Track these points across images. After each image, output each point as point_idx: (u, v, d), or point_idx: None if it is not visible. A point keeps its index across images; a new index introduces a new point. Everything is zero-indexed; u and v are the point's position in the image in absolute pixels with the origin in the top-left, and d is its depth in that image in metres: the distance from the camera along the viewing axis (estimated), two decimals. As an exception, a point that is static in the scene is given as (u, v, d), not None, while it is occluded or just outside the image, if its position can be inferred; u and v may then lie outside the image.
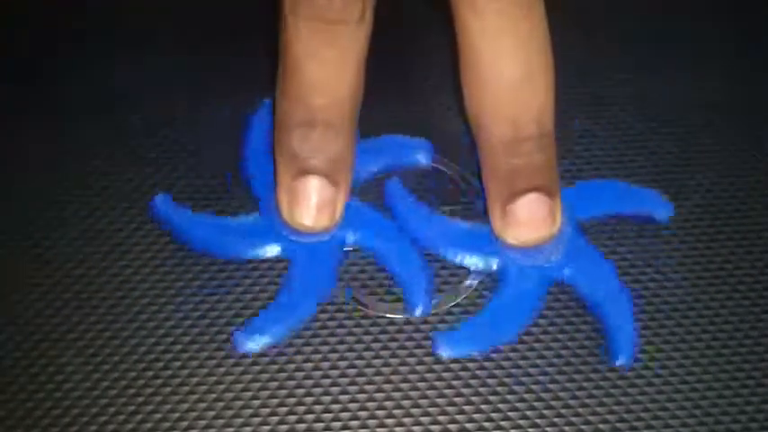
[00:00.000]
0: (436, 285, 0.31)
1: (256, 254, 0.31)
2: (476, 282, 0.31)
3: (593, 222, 0.33)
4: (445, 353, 0.30)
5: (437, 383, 0.29)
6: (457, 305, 0.31)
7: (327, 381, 0.29)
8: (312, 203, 0.30)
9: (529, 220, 0.30)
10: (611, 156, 0.35)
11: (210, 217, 0.32)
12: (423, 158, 0.34)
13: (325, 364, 0.29)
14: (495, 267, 0.31)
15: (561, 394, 0.29)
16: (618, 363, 0.29)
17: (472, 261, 0.31)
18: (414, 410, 0.28)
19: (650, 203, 0.33)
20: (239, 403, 0.28)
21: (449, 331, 0.30)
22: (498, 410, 0.28)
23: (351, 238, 0.32)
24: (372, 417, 0.28)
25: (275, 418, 0.28)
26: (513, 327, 0.30)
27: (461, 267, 0.32)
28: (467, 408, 0.28)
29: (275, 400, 0.28)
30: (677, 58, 0.39)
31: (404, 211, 0.32)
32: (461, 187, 0.34)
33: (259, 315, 0.30)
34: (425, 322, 0.30)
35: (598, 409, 0.28)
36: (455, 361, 0.29)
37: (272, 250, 0.31)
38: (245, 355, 0.29)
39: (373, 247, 0.32)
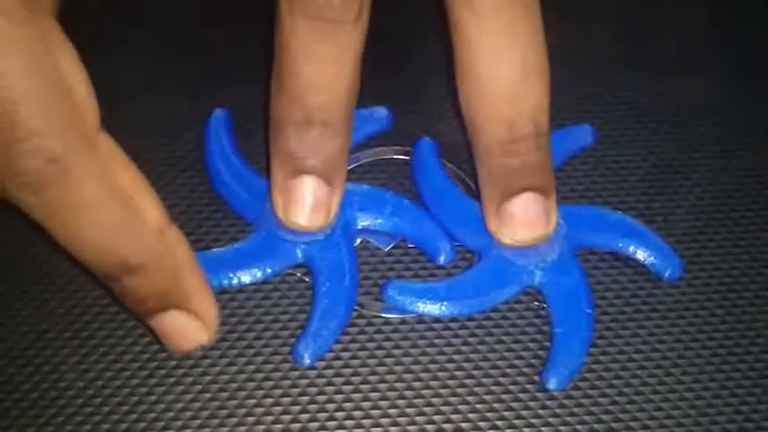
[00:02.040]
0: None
1: (272, 271, 0.31)
2: None
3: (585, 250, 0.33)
4: (388, 294, 0.30)
5: (432, 383, 0.29)
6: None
7: (323, 380, 0.29)
8: (307, 203, 0.30)
9: (524, 220, 0.30)
10: (608, 155, 0.35)
11: (216, 251, 0.31)
12: (382, 126, 0.35)
13: (321, 364, 0.29)
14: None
15: (555, 395, 0.29)
16: (548, 386, 0.29)
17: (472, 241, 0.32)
18: (409, 410, 0.28)
19: (657, 254, 0.32)
20: (234, 402, 0.28)
21: (402, 280, 0.31)
22: (494, 410, 0.28)
23: (358, 222, 0.32)
24: (367, 416, 0.28)
25: (270, 418, 0.28)
26: (467, 308, 0.30)
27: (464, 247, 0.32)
28: (462, 407, 0.28)
29: (270, 400, 0.28)
30: (676, 58, 0.39)
31: (426, 179, 0.33)
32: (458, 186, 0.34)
33: (307, 325, 0.30)
34: (421, 322, 0.30)
35: (593, 408, 0.28)
36: (451, 361, 0.29)
37: (289, 262, 0.31)
38: (240, 355, 0.29)
39: (379, 220, 0.32)
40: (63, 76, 0.23)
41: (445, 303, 0.30)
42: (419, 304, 0.30)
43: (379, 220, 0.32)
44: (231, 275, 0.31)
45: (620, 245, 0.32)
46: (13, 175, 0.22)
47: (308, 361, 0.29)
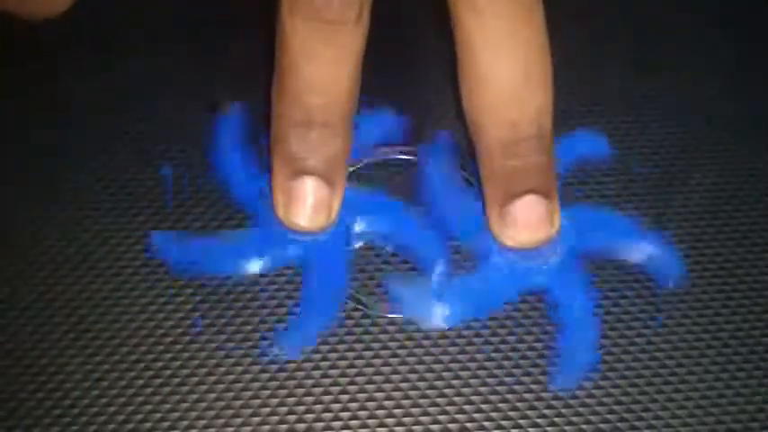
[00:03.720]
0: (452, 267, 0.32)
1: (263, 265, 0.31)
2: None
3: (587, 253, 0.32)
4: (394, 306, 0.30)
5: (437, 383, 0.29)
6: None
7: (327, 380, 0.29)
8: (308, 204, 0.30)
9: (526, 222, 0.30)
10: (611, 156, 0.35)
11: (207, 238, 0.32)
12: (392, 131, 0.35)
13: (325, 364, 0.29)
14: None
15: (560, 396, 0.29)
16: (556, 386, 0.29)
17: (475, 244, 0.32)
18: (414, 410, 0.28)
19: (660, 261, 0.32)
20: (238, 403, 0.28)
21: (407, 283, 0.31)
22: (499, 410, 0.28)
23: (357, 227, 0.32)
24: (372, 416, 0.28)
25: (275, 418, 0.28)
26: (470, 312, 0.30)
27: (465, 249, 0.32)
28: (467, 407, 0.28)
29: (275, 400, 0.28)
30: (677, 57, 0.39)
31: (435, 178, 0.33)
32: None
33: (287, 323, 0.30)
34: (425, 322, 0.30)
35: (598, 408, 0.28)
36: (455, 360, 0.29)
37: (280, 259, 0.31)
38: (245, 355, 0.29)
39: (377, 229, 0.32)
40: None
41: (450, 307, 0.30)
42: (425, 309, 0.30)
43: (376, 228, 0.32)
44: (224, 264, 0.31)
45: (623, 246, 0.32)
46: None
47: (281, 358, 0.29)
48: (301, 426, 0.28)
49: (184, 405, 0.28)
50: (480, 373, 0.29)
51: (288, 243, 0.31)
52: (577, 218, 0.32)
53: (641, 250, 0.32)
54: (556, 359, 0.29)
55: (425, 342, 0.30)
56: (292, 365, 0.29)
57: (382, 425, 0.28)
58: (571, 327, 0.30)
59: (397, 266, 0.32)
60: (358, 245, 0.32)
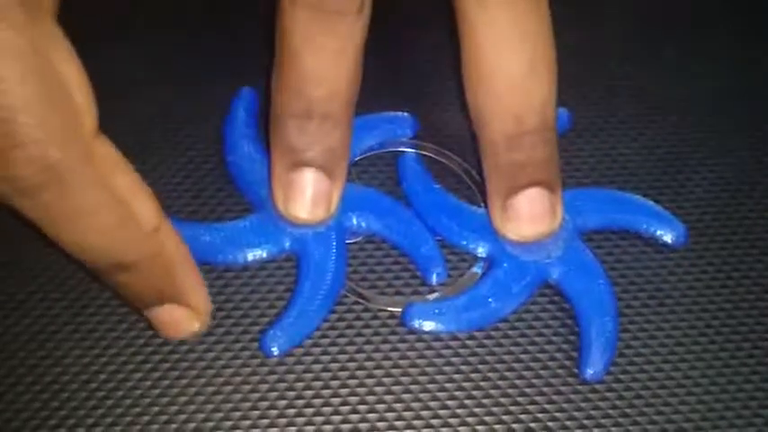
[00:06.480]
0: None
1: (259, 255, 0.31)
2: (481, 269, 0.31)
3: (593, 232, 0.32)
4: (413, 323, 0.30)
5: (438, 377, 0.29)
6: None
7: (327, 374, 0.29)
8: (307, 196, 0.30)
9: (529, 216, 0.30)
10: (613, 150, 0.35)
11: (206, 226, 0.31)
12: (406, 133, 0.35)
13: (325, 358, 0.29)
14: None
15: (562, 389, 0.29)
16: (587, 375, 0.29)
17: (480, 247, 0.31)
18: (414, 404, 0.28)
19: (659, 221, 0.32)
20: (238, 396, 0.28)
21: (422, 303, 0.30)
22: (500, 404, 0.28)
23: (354, 222, 0.32)
24: (372, 410, 0.28)
25: (274, 412, 0.28)
26: (490, 316, 0.30)
27: (469, 253, 0.32)
28: (468, 402, 0.28)
29: (275, 393, 0.28)
30: (680, 53, 0.39)
31: (417, 191, 0.33)
32: (463, 180, 0.34)
33: (281, 317, 0.29)
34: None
35: (600, 403, 0.28)
36: (457, 355, 0.29)
37: (276, 249, 0.31)
38: (243, 348, 0.29)
39: (377, 227, 0.32)
40: (62, 82, 0.23)
41: (466, 317, 0.30)
42: (442, 325, 0.30)
43: (377, 227, 0.32)
44: (220, 254, 0.31)
45: (623, 220, 0.32)
46: (9, 180, 0.22)
47: (276, 353, 0.29)
48: (300, 419, 0.28)
49: (182, 399, 0.28)
50: (482, 368, 0.29)
51: (279, 237, 0.31)
52: (577, 201, 0.32)
53: (641, 221, 0.32)
54: (585, 349, 0.29)
55: (427, 336, 0.30)
56: (291, 359, 0.29)
57: (382, 419, 0.28)
58: (591, 314, 0.30)
59: (397, 259, 0.32)
60: (358, 238, 0.32)
